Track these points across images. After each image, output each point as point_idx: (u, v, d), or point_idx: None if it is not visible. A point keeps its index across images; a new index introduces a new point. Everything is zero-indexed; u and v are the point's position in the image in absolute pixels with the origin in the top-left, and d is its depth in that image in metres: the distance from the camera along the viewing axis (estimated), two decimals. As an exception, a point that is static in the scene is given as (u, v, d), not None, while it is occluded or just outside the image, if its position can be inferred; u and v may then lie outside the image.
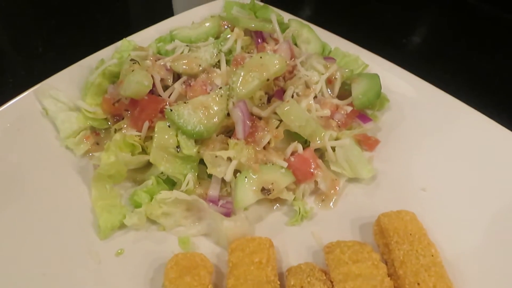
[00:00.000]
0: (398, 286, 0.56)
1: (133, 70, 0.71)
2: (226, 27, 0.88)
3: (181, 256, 0.58)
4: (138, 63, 0.75)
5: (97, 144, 0.74)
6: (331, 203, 0.71)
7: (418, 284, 0.53)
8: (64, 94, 0.76)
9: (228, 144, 0.69)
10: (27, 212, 0.65)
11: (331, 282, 0.56)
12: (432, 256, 0.57)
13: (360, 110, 0.81)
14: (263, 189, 0.66)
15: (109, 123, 0.76)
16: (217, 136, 0.70)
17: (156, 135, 0.67)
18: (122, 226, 0.64)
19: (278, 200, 0.70)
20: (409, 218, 0.62)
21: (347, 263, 0.57)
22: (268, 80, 0.71)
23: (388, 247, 0.60)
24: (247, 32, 0.85)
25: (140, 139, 0.69)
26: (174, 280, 0.55)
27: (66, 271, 0.59)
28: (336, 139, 0.74)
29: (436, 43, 1.29)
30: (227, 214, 0.66)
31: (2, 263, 0.59)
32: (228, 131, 0.73)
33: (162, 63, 0.76)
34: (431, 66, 1.07)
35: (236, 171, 0.68)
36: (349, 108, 0.79)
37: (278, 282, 0.56)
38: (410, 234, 0.60)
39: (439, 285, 0.53)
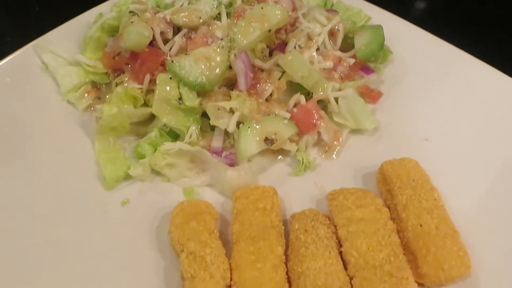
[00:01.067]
0: (400, 229, 0.56)
1: (132, 22, 0.70)
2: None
3: (186, 203, 0.58)
4: (138, 15, 0.73)
5: (99, 98, 0.74)
6: (334, 154, 0.71)
7: (421, 225, 0.54)
8: (64, 49, 0.75)
9: (230, 97, 0.69)
10: (32, 165, 0.65)
11: (335, 226, 0.57)
12: (435, 200, 0.58)
13: (363, 62, 0.80)
14: (266, 139, 0.66)
15: (110, 78, 0.75)
16: (219, 88, 0.70)
17: (157, 87, 0.66)
18: (127, 177, 0.65)
19: (281, 151, 0.70)
20: (412, 165, 0.63)
21: (350, 208, 0.58)
22: (269, 31, 0.70)
23: (391, 193, 0.61)
24: (247, -16, 0.83)
25: (141, 92, 0.69)
26: (180, 225, 0.55)
27: (73, 221, 0.60)
28: (339, 90, 0.73)
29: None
30: (231, 165, 0.66)
31: (8, 215, 0.59)
32: (230, 84, 0.72)
33: (161, 16, 0.75)
34: (435, 21, 1.05)
35: (238, 123, 0.67)
36: (352, 61, 0.78)
37: (283, 227, 0.57)
38: (413, 180, 0.60)
39: (442, 227, 0.54)
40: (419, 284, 0.52)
